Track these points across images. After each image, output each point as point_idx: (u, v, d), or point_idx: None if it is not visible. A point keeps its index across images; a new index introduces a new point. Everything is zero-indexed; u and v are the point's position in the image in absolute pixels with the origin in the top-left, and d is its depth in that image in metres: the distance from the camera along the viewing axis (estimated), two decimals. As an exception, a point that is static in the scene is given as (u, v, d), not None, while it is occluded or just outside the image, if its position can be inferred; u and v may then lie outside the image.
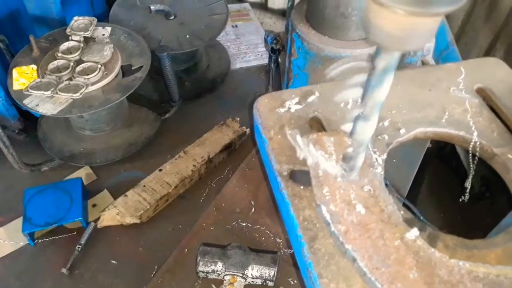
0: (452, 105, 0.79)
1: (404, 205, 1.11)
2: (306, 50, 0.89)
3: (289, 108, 0.76)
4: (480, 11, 1.73)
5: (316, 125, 0.76)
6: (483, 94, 0.82)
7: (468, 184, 0.76)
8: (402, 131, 0.75)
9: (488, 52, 1.80)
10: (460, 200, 0.90)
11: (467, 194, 0.80)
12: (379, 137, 0.74)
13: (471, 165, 0.75)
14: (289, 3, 1.00)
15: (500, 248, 0.63)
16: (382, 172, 0.69)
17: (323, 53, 0.87)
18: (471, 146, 0.76)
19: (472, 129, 0.76)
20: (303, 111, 0.77)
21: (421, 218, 1.05)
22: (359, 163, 0.65)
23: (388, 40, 0.45)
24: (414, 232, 0.62)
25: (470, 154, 0.76)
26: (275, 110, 0.76)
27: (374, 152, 0.71)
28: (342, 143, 0.70)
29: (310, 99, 0.78)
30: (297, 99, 0.77)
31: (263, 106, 0.77)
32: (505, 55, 1.75)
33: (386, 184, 0.97)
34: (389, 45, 0.46)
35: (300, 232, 0.63)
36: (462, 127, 0.77)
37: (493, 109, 0.80)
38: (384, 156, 0.71)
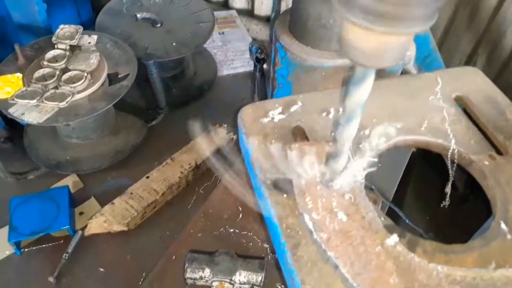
0: (431, 113, 0.82)
1: (390, 208, 1.13)
2: (289, 60, 0.91)
3: (273, 118, 0.78)
4: (462, 17, 1.77)
5: (299, 134, 0.77)
6: (461, 103, 0.85)
7: (448, 189, 0.78)
8: (383, 140, 0.77)
9: (470, 58, 1.84)
10: (442, 206, 0.93)
11: (447, 199, 0.82)
12: (359, 145, 0.76)
13: (450, 172, 0.78)
14: (273, 14, 1.02)
15: (476, 252, 0.66)
16: (363, 181, 0.71)
17: (306, 63, 0.89)
18: (449, 153, 0.78)
19: (450, 136, 0.79)
20: (286, 121, 0.78)
21: (407, 221, 1.08)
22: (339, 169, 0.67)
23: (362, 58, 0.47)
24: (394, 238, 0.63)
25: (449, 161, 0.78)
26: (259, 120, 0.78)
27: (355, 160, 0.73)
28: (324, 152, 0.72)
29: (293, 108, 0.79)
30: (280, 109, 0.79)
31: (247, 115, 0.79)
32: (487, 61, 1.80)
33: (371, 188, 0.99)
34: (363, 62, 0.48)
35: (283, 240, 0.65)
36: (440, 135, 0.79)
37: (471, 117, 0.82)
38: (365, 164, 0.73)
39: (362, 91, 0.54)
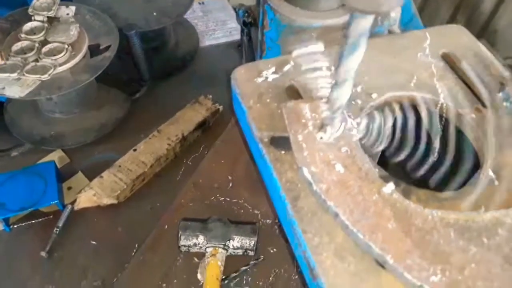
0: (419, 69, 0.84)
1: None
2: (278, 22, 0.91)
3: (266, 78, 0.78)
4: (441, -17, 1.80)
5: (293, 93, 0.78)
6: (448, 59, 0.87)
7: (437, 144, 0.81)
8: (374, 95, 0.79)
9: (449, 23, 1.87)
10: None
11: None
12: (352, 102, 0.77)
13: (439, 126, 0.80)
14: (260, -25, 1.01)
15: (467, 198, 0.69)
16: (358, 134, 0.72)
17: (295, 24, 0.89)
18: (437, 107, 0.80)
19: (439, 91, 0.81)
20: (280, 80, 0.79)
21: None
22: (335, 125, 0.69)
23: (363, 2, 0.48)
24: (390, 187, 0.66)
25: (438, 115, 0.81)
26: (252, 80, 0.78)
27: (349, 116, 0.75)
28: (319, 108, 0.73)
29: (286, 68, 0.80)
30: (273, 69, 0.79)
31: (241, 76, 0.79)
32: (466, 26, 1.83)
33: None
34: (364, 7, 0.49)
35: (283, 193, 0.66)
36: (429, 90, 0.81)
37: (457, 73, 0.85)
38: (359, 120, 0.75)
39: (356, 56, 0.55)
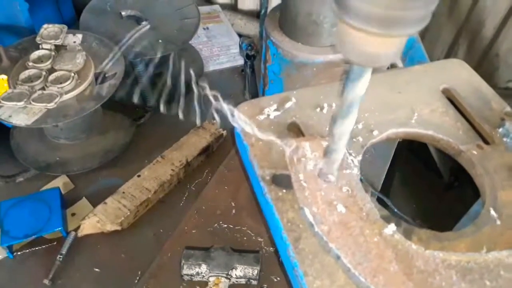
0: (420, 106, 0.85)
1: (379, 198, 1.16)
2: (281, 57, 0.92)
3: (268, 115, 0.79)
4: (443, 8, 1.81)
5: (295, 130, 0.79)
6: (449, 94, 0.88)
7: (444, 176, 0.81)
8: (375, 132, 0.80)
9: (451, 48, 1.89)
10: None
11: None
12: (354, 139, 0.78)
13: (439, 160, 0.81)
14: (262, 11, 1.03)
15: (469, 238, 0.69)
16: (358, 173, 0.73)
17: (297, 60, 0.91)
18: (439, 144, 0.81)
19: (440, 128, 0.82)
20: (282, 117, 0.80)
21: (395, 210, 1.11)
22: (337, 163, 0.69)
23: (358, 58, 0.49)
24: (391, 228, 0.66)
25: (434, 152, 0.81)
26: (255, 117, 0.79)
27: (350, 154, 0.75)
28: (320, 146, 0.74)
29: (288, 105, 0.81)
30: (275, 106, 0.80)
31: (243, 113, 0.80)
32: (468, 50, 1.85)
33: (360, 180, 1.01)
34: (359, 62, 0.51)
35: (285, 234, 0.67)
36: (430, 126, 0.82)
37: (458, 108, 0.85)
38: (360, 158, 0.75)
39: (359, 88, 0.56)
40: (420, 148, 1.36)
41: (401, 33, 0.45)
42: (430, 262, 0.64)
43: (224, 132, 1.50)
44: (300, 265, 0.64)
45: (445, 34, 1.86)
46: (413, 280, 0.61)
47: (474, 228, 0.70)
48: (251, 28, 1.94)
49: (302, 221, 0.67)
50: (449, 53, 1.90)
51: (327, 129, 0.77)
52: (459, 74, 0.91)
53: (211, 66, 1.78)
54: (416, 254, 0.64)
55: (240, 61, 1.75)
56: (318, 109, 0.82)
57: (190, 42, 1.74)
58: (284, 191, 0.71)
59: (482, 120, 0.83)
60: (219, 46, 1.85)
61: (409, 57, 1.51)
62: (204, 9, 2.00)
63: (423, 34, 1.92)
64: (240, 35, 1.92)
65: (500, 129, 0.81)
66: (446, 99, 0.86)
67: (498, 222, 0.70)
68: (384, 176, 1.34)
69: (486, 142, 0.81)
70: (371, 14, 0.44)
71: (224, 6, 2.06)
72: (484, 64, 1.83)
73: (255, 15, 2.02)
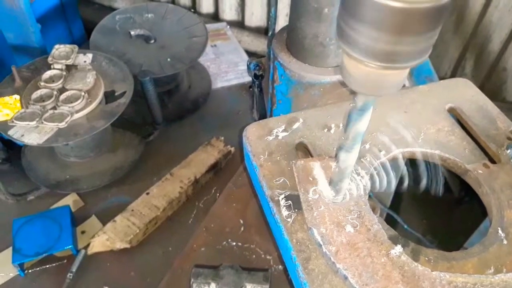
0: (426, 125, 0.85)
1: (388, 214, 1.16)
2: (288, 78, 0.94)
3: (277, 136, 0.80)
4: (449, 24, 1.83)
5: (303, 151, 0.80)
6: (455, 113, 0.88)
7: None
8: (382, 153, 0.80)
9: (459, 63, 1.90)
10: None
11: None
12: (361, 159, 0.79)
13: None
14: (270, 32, 1.05)
15: (476, 258, 0.69)
16: (366, 194, 0.73)
17: (305, 80, 0.92)
18: (446, 163, 0.82)
19: (446, 147, 0.82)
20: (290, 138, 0.81)
21: (405, 226, 1.11)
22: (344, 187, 0.70)
23: (363, 88, 0.51)
24: (398, 249, 0.66)
25: (440, 170, 0.82)
26: (263, 138, 0.80)
27: (358, 174, 0.76)
28: (328, 167, 0.75)
29: (295, 125, 0.82)
30: (283, 127, 0.81)
31: (252, 134, 0.81)
32: (475, 65, 1.86)
33: (370, 196, 1.02)
34: (364, 91, 0.52)
35: (294, 254, 0.67)
36: (437, 146, 0.83)
37: (464, 128, 0.86)
38: (367, 178, 0.76)
39: (362, 122, 0.58)
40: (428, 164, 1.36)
41: (405, 66, 0.47)
42: (436, 283, 0.64)
43: (232, 149, 1.52)
44: (310, 285, 0.64)
45: (452, 49, 1.87)
46: (420, 302, 0.62)
47: (481, 247, 0.70)
48: (258, 44, 1.97)
49: (312, 241, 0.68)
50: (456, 68, 1.91)
51: (335, 149, 0.78)
52: (464, 93, 0.92)
53: (219, 83, 1.81)
54: (422, 275, 0.64)
55: (247, 78, 1.77)
56: (326, 130, 0.83)
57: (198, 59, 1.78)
58: (293, 211, 0.72)
59: (488, 139, 0.84)
60: (227, 63, 1.88)
61: (416, 71, 1.52)
62: (211, 26, 2.03)
63: (429, 49, 1.93)
64: (247, 52, 1.95)
65: (508, 151, 0.81)
66: (452, 118, 0.87)
67: (505, 242, 0.70)
68: (393, 192, 1.34)
69: (492, 161, 0.82)
70: (375, 49, 0.46)
71: (231, 23, 2.09)
72: (492, 78, 1.84)
73: (262, 31, 2.05)
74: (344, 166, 0.64)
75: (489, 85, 1.85)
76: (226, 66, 1.86)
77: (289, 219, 0.71)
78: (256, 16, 2.02)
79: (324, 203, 0.71)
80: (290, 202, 0.73)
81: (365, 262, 0.65)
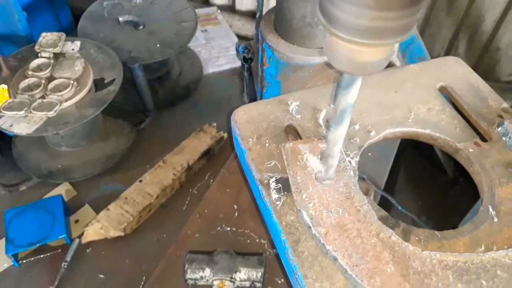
0: (417, 104, 0.84)
1: (383, 196, 1.16)
2: (277, 59, 0.92)
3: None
4: (442, 4, 1.81)
5: (292, 133, 0.79)
6: (445, 92, 0.87)
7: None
8: (373, 133, 0.80)
9: (452, 43, 1.88)
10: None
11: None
12: (351, 140, 0.78)
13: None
14: (258, 14, 1.03)
15: (467, 236, 0.69)
16: (356, 175, 0.73)
17: (293, 62, 0.91)
18: (437, 142, 0.81)
19: (437, 126, 0.81)
20: (279, 120, 0.80)
21: (399, 208, 1.11)
22: (334, 165, 0.69)
23: (347, 67, 0.50)
24: (388, 229, 0.66)
25: (438, 148, 0.81)
26: (252, 121, 0.80)
27: (347, 155, 0.75)
28: (317, 149, 0.74)
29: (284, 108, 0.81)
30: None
31: (240, 117, 0.80)
32: (468, 45, 1.84)
33: (363, 178, 1.01)
34: (347, 70, 0.51)
35: (284, 237, 0.67)
36: (427, 125, 0.82)
37: (455, 106, 0.85)
38: (357, 159, 0.75)
39: (350, 96, 0.56)
40: (423, 145, 1.36)
41: (388, 42, 0.45)
42: (427, 263, 0.64)
43: (225, 135, 1.51)
44: (299, 268, 0.64)
45: (445, 30, 1.86)
46: (409, 281, 0.61)
47: (472, 226, 0.70)
48: (249, 28, 1.94)
49: (301, 224, 0.68)
50: (450, 48, 1.90)
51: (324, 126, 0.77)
52: (455, 71, 0.91)
53: (210, 68, 1.79)
54: (413, 255, 0.64)
55: (239, 63, 1.75)
56: (315, 112, 0.82)
57: (189, 45, 1.75)
58: (283, 194, 0.71)
59: (479, 117, 0.83)
60: (218, 48, 1.85)
61: (409, 52, 1.51)
62: (202, 11, 2.00)
63: (422, 30, 1.92)
64: (238, 36, 1.93)
65: (499, 128, 0.81)
66: (443, 97, 0.86)
67: (496, 220, 0.70)
68: (387, 175, 1.34)
69: (483, 139, 0.81)
70: (358, 25, 0.44)
71: (221, 8, 2.06)
72: (485, 58, 1.83)
73: (253, 15, 2.02)
74: (333, 143, 0.63)
75: (483, 65, 1.84)
76: (217, 51, 1.84)
77: (278, 202, 0.70)
78: (247, -1, 2.00)
79: (313, 184, 0.70)
80: (280, 185, 0.72)
81: (355, 243, 0.65)
